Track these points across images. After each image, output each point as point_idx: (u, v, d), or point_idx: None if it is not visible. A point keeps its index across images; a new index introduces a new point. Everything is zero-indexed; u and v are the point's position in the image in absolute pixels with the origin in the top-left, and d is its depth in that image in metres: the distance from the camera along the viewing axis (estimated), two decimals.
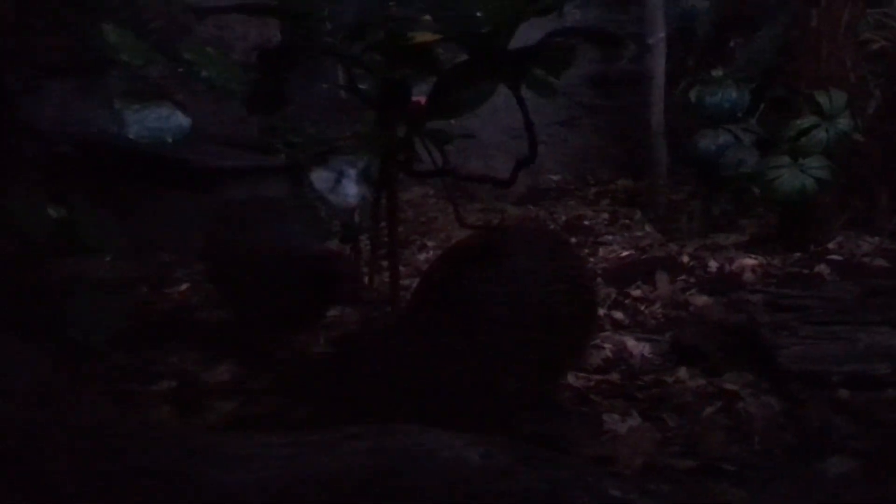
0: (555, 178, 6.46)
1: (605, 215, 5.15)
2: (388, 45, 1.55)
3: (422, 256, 4.14)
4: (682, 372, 2.35)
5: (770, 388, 2.03)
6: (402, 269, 3.26)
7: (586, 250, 4.22)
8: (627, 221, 4.88)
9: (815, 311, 2.15)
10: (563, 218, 5.12)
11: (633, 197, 5.36)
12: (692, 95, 4.28)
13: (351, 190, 1.57)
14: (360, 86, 1.93)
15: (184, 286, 3.32)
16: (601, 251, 4.18)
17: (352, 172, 1.55)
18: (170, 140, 1.91)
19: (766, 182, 3.57)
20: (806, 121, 3.55)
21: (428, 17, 1.48)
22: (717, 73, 4.36)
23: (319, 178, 1.57)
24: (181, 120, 1.90)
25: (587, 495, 0.93)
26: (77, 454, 0.89)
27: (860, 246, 3.72)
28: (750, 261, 3.62)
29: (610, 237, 4.50)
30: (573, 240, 4.56)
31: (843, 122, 3.52)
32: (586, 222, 4.96)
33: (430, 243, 4.29)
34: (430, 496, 0.93)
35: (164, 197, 3.30)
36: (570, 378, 2.36)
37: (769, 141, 3.76)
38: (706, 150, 3.93)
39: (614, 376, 2.40)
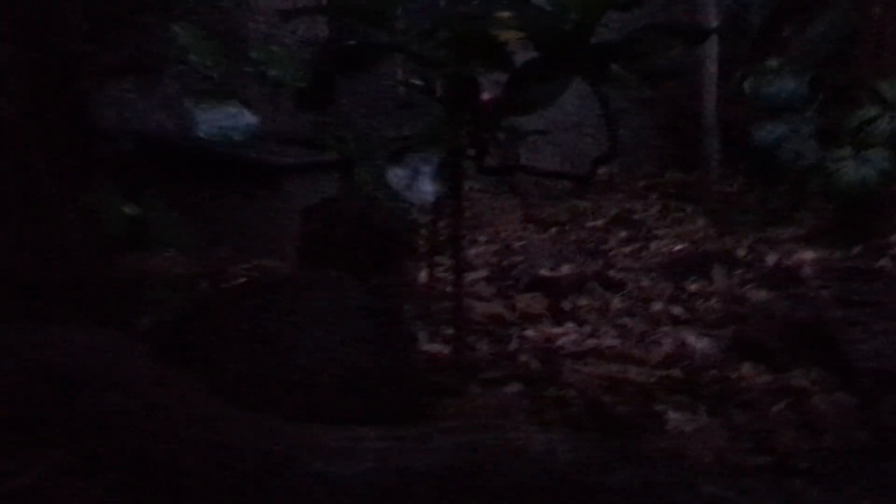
0: (602, 170, 6.41)
1: (656, 209, 5.09)
2: (459, 42, 1.56)
3: (472, 251, 4.16)
4: (747, 367, 2.32)
5: (841, 385, 2.00)
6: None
7: (638, 245, 4.20)
8: (679, 215, 4.82)
9: (889, 307, 2.11)
10: (613, 212, 5.09)
11: (684, 190, 5.29)
12: (747, 86, 4.21)
13: (427, 187, 1.59)
14: (424, 83, 1.94)
15: (241, 280, 3.38)
16: (653, 245, 4.14)
17: (427, 170, 1.56)
18: (238, 138, 1.95)
19: (826, 174, 3.50)
20: (868, 111, 3.47)
21: (506, 14, 1.48)
22: (773, 63, 4.27)
23: (395, 175, 1.59)
24: (248, 118, 1.93)
25: (683, 492, 0.93)
26: (190, 444, 0.92)
27: None
28: (809, 255, 3.56)
29: (662, 231, 4.46)
30: (623, 233, 4.54)
31: None
32: (636, 216, 4.91)
33: (480, 238, 4.31)
34: (523, 490, 0.95)
35: (226, 194, 3.37)
36: (633, 373, 2.35)
37: (828, 132, 3.68)
38: (763, 142, 3.86)
39: (676, 372, 2.38)
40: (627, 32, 1.56)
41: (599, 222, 4.83)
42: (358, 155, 4.20)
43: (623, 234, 4.51)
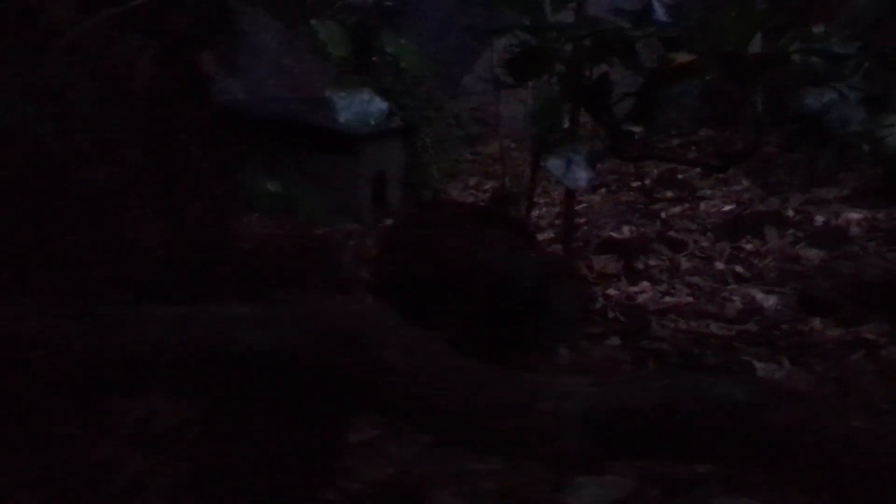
0: (635, 129, 6.59)
1: (698, 168, 5.29)
2: (601, 45, 1.78)
3: (535, 213, 4.39)
4: (817, 322, 2.58)
5: None
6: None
7: (687, 205, 4.42)
8: (723, 175, 5.02)
9: None
10: (655, 171, 5.28)
11: (719, 149, 5.47)
12: (793, 51, 4.37)
13: (581, 174, 1.81)
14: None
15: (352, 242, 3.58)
16: (702, 206, 4.37)
17: (579, 158, 1.78)
18: (373, 122, 2.17)
19: (874, 140, 3.69)
20: None
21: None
22: (819, 28, 4.42)
23: (553, 164, 1.81)
24: (380, 104, 2.15)
25: (838, 424, 1.20)
26: (453, 390, 1.19)
27: None
28: (855, 215, 3.79)
29: (709, 191, 4.67)
30: (670, 194, 4.76)
31: None
32: (679, 176, 5.11)
33: (540, 200, 4.53)
34: (714, 424, 1.21)
35: (313, 160, 3.60)
36: (713, 327, 2.62)
37: (876, 98, 3.86)
38: (811, 108, 4.04)
39: (752, 326, 2.64)
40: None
41: (645, 182, 5.04)
42: (421, 122, 4.42)
43: (669, 193, 4.73)
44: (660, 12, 1.83)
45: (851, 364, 2.20)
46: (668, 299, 2.87)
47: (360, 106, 2.17)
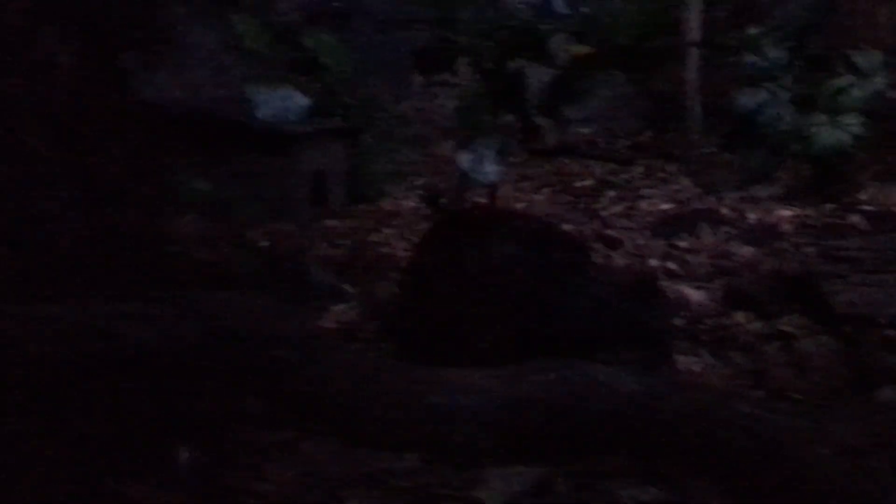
0: (584, 131, 6.66)
1: (640, 169, 5.37)
2: (514, 42, 1.79)
3: None
4: (740, 316, 2.62)
5: (824, 330, 2.31)
6: None
7: (627, 204, 4.47)
8: (663, 175, 5.10)
9: (865, 262, 2.42)
10: (598, 171, 5.34)
11: (664, 150, 5.56)
12: (728, 53, 4.46)
13: (491, 169, 1.81)
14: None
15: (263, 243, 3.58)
16: (643, 205, 4.42)
17: (489, 153, 1.78)
18: (293, 118, 2.16)
19: (803, 138, 3.79)
20: (842, 80, 3.76)
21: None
22: (753, 30, 4.52)
23: (463, 159, 1.81)
24: (301, 100, 2.14)
25: (726, 412, 1.22)
26: (337, 385, 1.18)
27: (889, 196, 3.96)
28: (787, 212, 3.87)
29: (649, 191, 4.73)
30: (612, 193, 4.81)
31: (878, 81, 3.73)
32: (623, 176, 5.18)
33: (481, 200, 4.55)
34: (604, 413, 1.22)
35: (249, 159, 3.55)
36: None
37: (806, 98, 3.97)
38: (745, 107, 4.14)
39: (677, 321, 2.67)
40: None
41: (588, 182, 5.10)
42: (364, 123, 4.39)
43: (612, 194, 4.79)
44: (559, 4, 1.85)
45: (768, 356, 2.25)
46: None
47: (279, 102, 2.15)
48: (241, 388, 1.17)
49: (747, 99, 4.13)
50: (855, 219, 3.71)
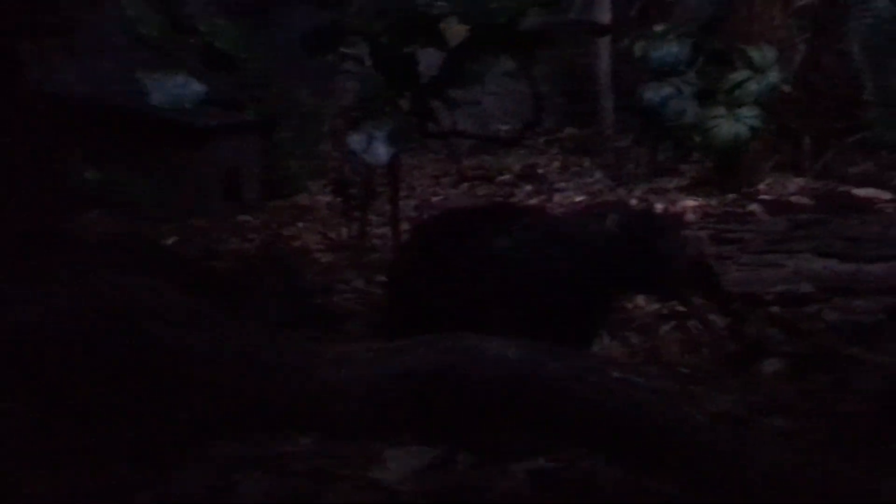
0: (504, 127, 6.78)
1: (556, 163, 5.51)
2: (405, 25, 1.81)
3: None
4: (640, 299, 2.72)
5: (715, 309, 2.42)
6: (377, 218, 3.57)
7: (542, 197, 4.58)
8: (578, 169, 5.25)
9: (751, 243, 2.55)
10: (517, 166, 5.46)
11: (581, 145, 5.72)
12: (637, 49, 4.61)
13: (381, 150, 1.84)
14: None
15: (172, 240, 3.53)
16: (557, 197, 4.54)
17: (380, 134, 1.81)
18: (188, 106, 2.13)
19: (704, 130, 3.95)
20: (739, 74, 3.94)
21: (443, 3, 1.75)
22: (660, 28, 4.69)
23: (353, 140, 1.82)
24: (197, 87, 2.12)
25: (597, 377, 1.27)
26: (202, 357, 1.19)
27: (787, 186, 4.17)
28: (691, 202, 4.03)
29: (563, 184, 4.86)
30: (529, 187, 4.93)
31: (773, 75, 3.92)
32: (539, 170, 5.31)
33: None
34: (485, 381, 1.26)
35: (156, 154, 3.48)
36: None
37: (707, 92, 4.14)
38: (651, 102, 4.28)
39: None
40: (545, 23, 1.87)
41: (507, 177, 5.21)
42: (278, 116, 4.36)
43: (529, 187, 4.90)
44: None
45: (662, 336, 2.34)
46: None
47: (173, 89, 2.12)
48: (114, 367, 1.16)
49: (653, 94, 4.27)
50: (753, 207, 3.89)
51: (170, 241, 3.49)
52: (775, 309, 2.38)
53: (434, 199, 4.50)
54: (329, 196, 4.07)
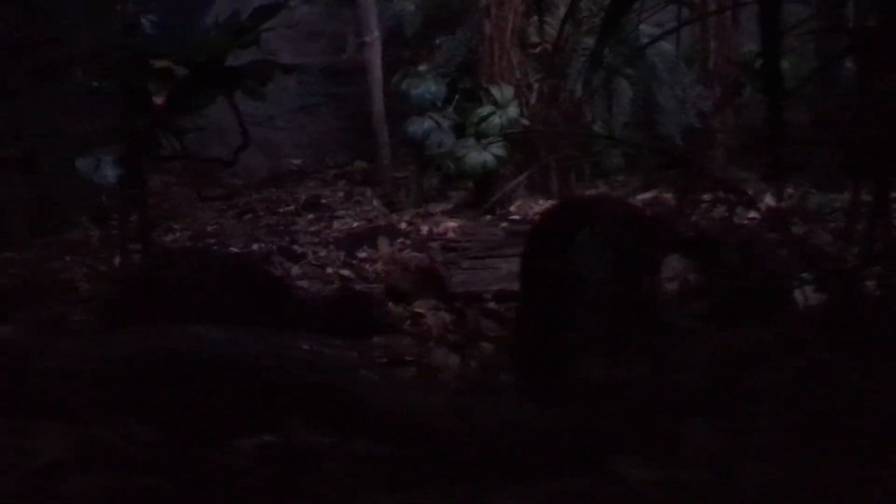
0: (296, 161, 7.05)
1: (341, 194, 5.84)
2: (133, 64, 2.04)
3: (168, 237, 4.55)
4: (391, 306, 3.08)
5: (444, 307, 2.83)
6: (153, 249, 3.68)
7: (323, 224, 4.89)
8: (360, 198, 5.61)
9: (473, 250, 2.99)
10: (303, 197, 5.74)
11: (367, 177, 6.11)
12: (403, 87, 5.08)
13: (109, 172, 2.02)
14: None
15: None
16: (335, 224, 4.87)
17: (108, 159, 1.99)
18: None
19: (457, 159, 4.46)
20: (485, 109, 4.49)
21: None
22: (423, 67, 5.19)
23: (82, 163, 2.00)
24: None
25: (289, 350, 1.56)
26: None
27: (532, 207, 4.76)
28: (452, 223, 4.51)
29: (344, 212, 5.20)
30: (311, 216, 5.22)
31: (512, 110, 4.50)
32: (324, 200, 5.62)
33: (176, 226, 4.70)
34: (193, 358, 1.51)
35: None
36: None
37: (462, 126, 4.66)
38: (414, 134, 4.74)
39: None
40: (249, 62, 2.19)
41: (291, 207, 5.46)
42: (41, 151, 4.34)
43: (311, 216, 5.18)
44: (148, 27, 2.17)
45: (401, 332, 2.70)
46: None
47: None
48: None
49: (416, 127, 4.74)
50: (505, 225, 4.43)
51: None
52: (492, 304, 2.83)
53: (209, 228, 4.66)
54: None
